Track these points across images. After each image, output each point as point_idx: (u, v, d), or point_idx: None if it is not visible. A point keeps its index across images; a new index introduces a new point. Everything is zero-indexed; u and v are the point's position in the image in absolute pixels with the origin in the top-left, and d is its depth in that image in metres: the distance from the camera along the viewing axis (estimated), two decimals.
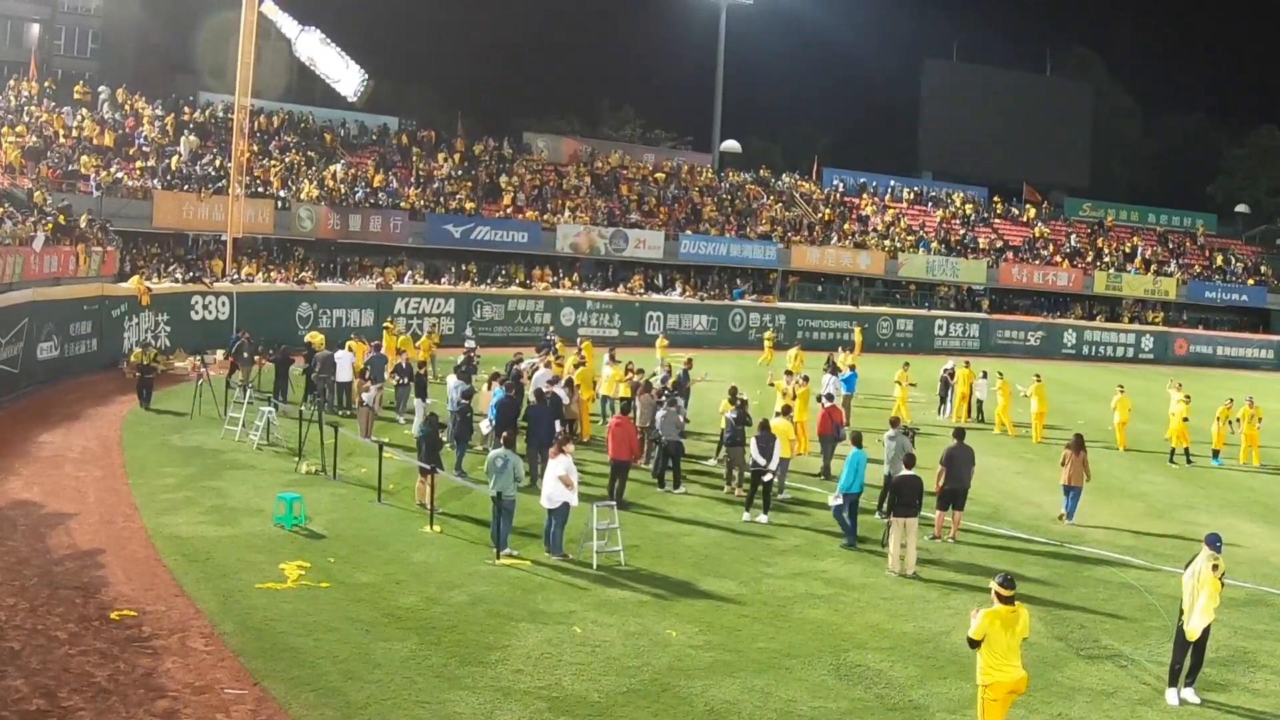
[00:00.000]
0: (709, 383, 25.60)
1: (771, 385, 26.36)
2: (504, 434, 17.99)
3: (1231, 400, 26.25)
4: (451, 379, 21.67)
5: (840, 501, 15.95)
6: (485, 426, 19.87)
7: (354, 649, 11.08)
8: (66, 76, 45.77)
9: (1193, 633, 10.81)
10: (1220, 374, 47.89)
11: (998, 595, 9.29)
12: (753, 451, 17.24)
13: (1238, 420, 25.82)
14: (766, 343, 41.07)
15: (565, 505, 14.52)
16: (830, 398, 22.14)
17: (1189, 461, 24.74)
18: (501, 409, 19.34)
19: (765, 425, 17.53)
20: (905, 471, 15.15)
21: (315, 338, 28.03)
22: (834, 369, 27.05)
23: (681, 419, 19.37)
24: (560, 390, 20.73)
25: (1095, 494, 20.79)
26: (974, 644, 9.22)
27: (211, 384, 23.65)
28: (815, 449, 21.26)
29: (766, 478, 17.08)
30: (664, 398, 19.95)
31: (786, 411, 20.13)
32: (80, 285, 28.04)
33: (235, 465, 19.03)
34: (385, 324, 33.24)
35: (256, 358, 26.75)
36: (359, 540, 14.92)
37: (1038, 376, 27.71)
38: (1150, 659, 12.01)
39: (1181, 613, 10.95)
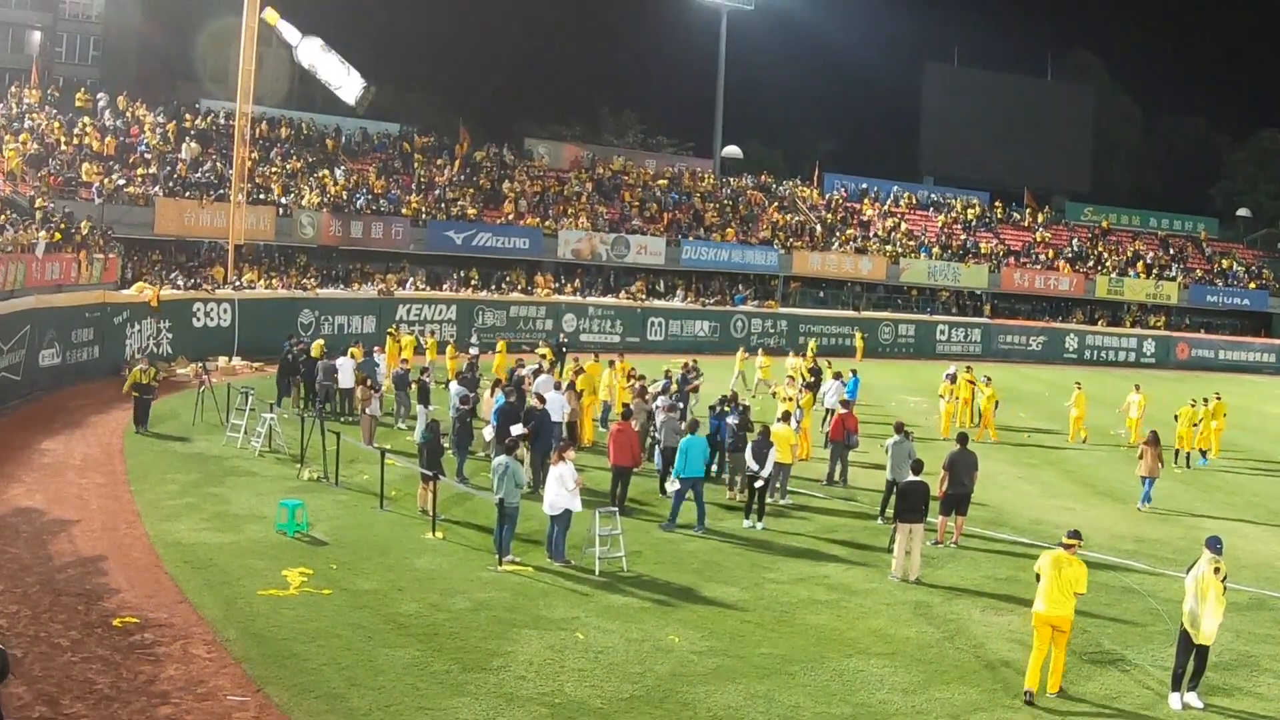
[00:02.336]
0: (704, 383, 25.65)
1: (774, 395, 26.32)
2: (506, 440, 17.98)
3: (1207, 400, 26.21)
4: (454, 385, 21.70)
5: (679, 486, 16.61)
6: (488, 433, 19.86)
7: (356, 655, 11.07)
8: (68, 83, 45.81)
9: (1208, 637, 10.81)
10: (1222, 378, 47.79)
11: (1061, 543, 11.26)
12: (748, 458, 17.25)
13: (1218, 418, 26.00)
14: (810, 351, 39.88)
15: (568, 511, 14.52)
16: (847, 404, 22.17)
17: (1188, 465, 24.83)
18: (503, 415, 19.32)
19: (765, 431, 17.53)
20: (912, 477, 15.17)
21: (316, 347, 28.01)
22: (830, 375, 27.09)
23: (681, 424, 19.35)
24: (559, 395, 20.73)
25: (1097, 498, 20.84)
26: (1038, 578, 11.07)
27: (214, 391, 23.67)
28: (820, 454, 21.23)
29: (758, 483, 17.08)
30: (720, 404, 20.24)
31: (787, 417, 20.13)
32: (82, 292, 28.10)
33: (237, 472, 19.03)
34: (390, 330, 33.24)
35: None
36: (361, 547, 14.92)
37: (988, 379, 28.34)
38: (1153, 663, 12.00)
39: (1184, 616, 10.94)
